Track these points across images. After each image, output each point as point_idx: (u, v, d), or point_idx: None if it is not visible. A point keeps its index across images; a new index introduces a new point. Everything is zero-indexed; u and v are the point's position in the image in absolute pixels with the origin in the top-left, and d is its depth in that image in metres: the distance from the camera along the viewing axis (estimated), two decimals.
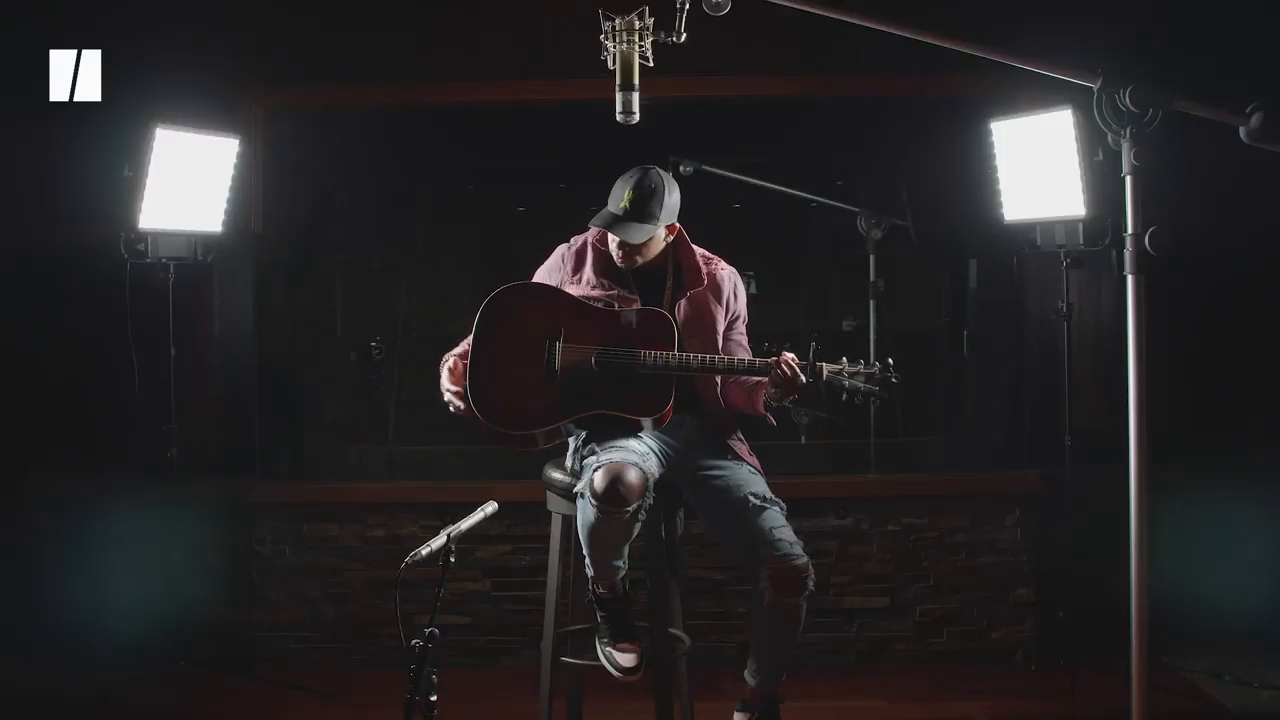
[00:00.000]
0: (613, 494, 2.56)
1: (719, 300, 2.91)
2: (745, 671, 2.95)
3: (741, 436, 2.97)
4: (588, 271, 2.91)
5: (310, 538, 4.05)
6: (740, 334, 2.98)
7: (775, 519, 2.77)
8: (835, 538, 4.01)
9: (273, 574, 4.05)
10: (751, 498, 2.78)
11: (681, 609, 3.08)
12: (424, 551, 2.10)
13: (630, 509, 2.58)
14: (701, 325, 2.88)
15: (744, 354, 2.92)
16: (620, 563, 2.74)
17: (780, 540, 2.73)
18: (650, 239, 2.79)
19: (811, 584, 2.75)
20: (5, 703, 3.67)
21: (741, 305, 2.98)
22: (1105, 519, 2.97)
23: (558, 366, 2.73)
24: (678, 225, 2.88)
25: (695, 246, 2.95)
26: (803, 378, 2.67)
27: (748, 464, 2.90)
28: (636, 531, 2.69)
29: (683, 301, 2.88)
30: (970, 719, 3.49)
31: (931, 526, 4.02)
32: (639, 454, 2.71)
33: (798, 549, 2.74)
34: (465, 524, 2.21)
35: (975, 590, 4.01)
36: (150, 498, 3.80)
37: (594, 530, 2.64)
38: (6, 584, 4.00)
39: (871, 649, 4.02)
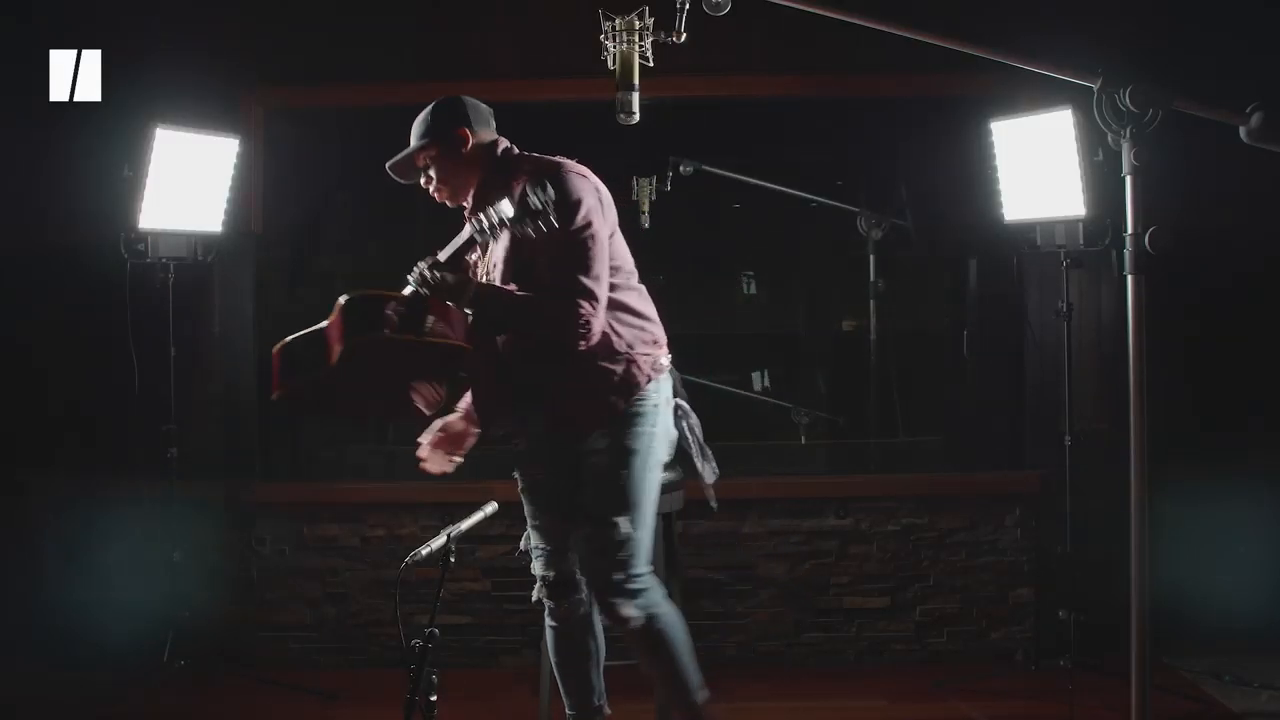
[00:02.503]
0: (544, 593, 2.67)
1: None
2: None
3: (591, 407, 2.55)
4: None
5: (310, 538, 4.05)
6: (557, 260, 2.44)
7: (598, 541, 2.51)
8: (835, 538, 4.01)
9: (273, 574, 4.05)
10: (584, 512, 2.55)
11: (681, 609, 3.08)
12: (424, 551, 2.11)
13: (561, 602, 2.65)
14: (493, 265, 2.58)
15: (563, 286, 2.44)
16: (596, 700, 2.75)
17: (593, 573, 2.54)
18: (422, 162, 2.61)
19: (632, 620, 2.52)
20: (5, 703, 3.67)
21: (547, 219, 2.30)
22: (1105, 519, 2.98)
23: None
24: (466, 135, 2.59)
25: (537, 157, 2.61)
26: (427, 272, 2.35)
27: (600, 446, 2.55)
28: (595, 645, 2.74)
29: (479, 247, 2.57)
30: (969, 719, 3.49)
31: (931, 526, 4.02)
32: (543, 532, 2.68)
33: (612, 580, 2.50)
34: (465, 524, 2.21)
35: (975, 590, 4.02)
36: (150, 498, 3.81)
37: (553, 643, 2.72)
38: (7, 584, 4.00)
39: (871, 649, 4.02)
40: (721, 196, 4.80)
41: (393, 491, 4.11)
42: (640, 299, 2.68)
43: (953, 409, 4.60)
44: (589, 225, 2.47)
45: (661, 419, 2.63)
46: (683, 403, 2.76)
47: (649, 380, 2.58)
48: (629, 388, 2.56)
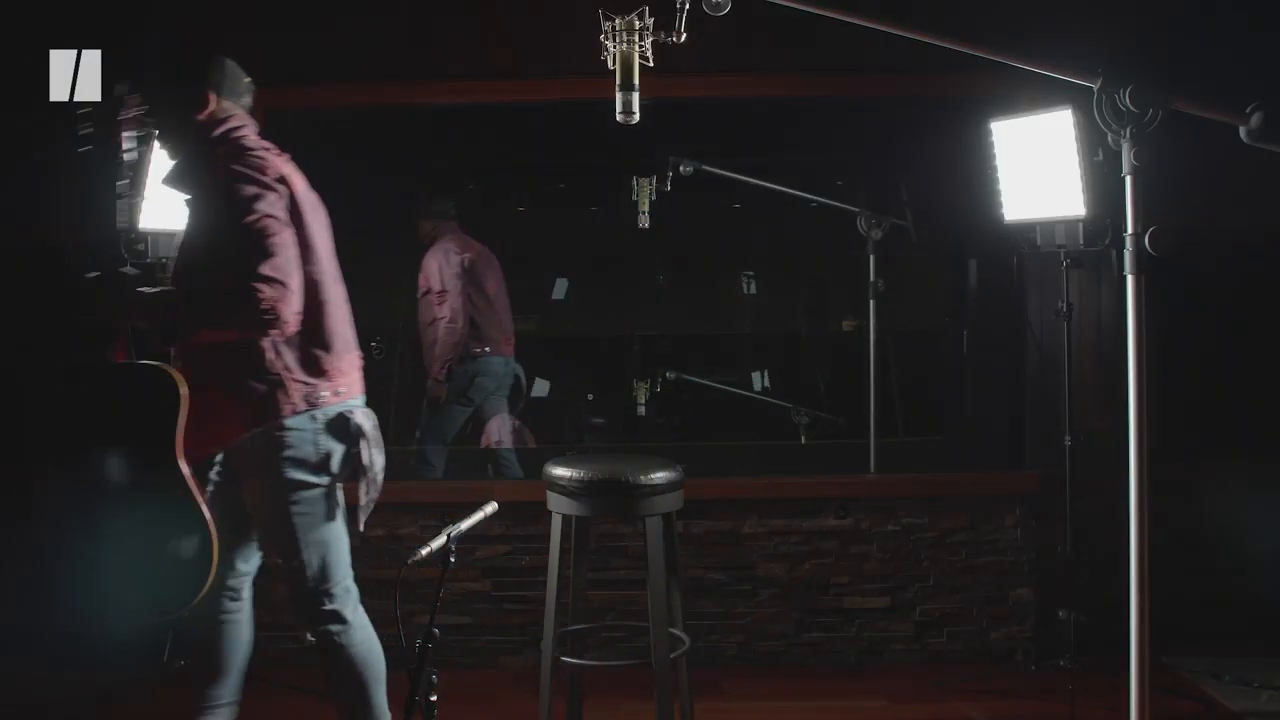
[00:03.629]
0: None
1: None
2: None
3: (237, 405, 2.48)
4: None
5: None
6: (231, 255, 2.36)
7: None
8: (835, 538, 4.01)
9: (273, 573, 4.03)
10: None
11: (681, 609, 3.08)
12: (424, 551, 2.10)
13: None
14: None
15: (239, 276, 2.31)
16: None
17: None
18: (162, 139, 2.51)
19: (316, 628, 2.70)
20: (5, 703, 3.67)
21: (218, 207, 2.42)
22: (1105, 519, 2.98)
23: None
24: (210, 98, 2.46)
25: (233, 140, 2.53)
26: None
27: (220, 465, 2.60)
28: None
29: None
30: (970, 719, 3.49)
31: (931, 526, 4.02)
32: None
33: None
34: (465, 524, 2.21)
35: (975, 590, 4.02)
36: None
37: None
38: (7, 584, 3.99)
39: (871, 649, 4.02)
40: (721, 196, 4.80)
41: (393, 491, 4.08)
42: (332, 311, 2.53)
43: (953, 409, 4.60)
44: (256, 212, 2.36)
45: (299, 457, 2.56)
46: (367, 447, 2.63)
47: (294, 412, 2.46)
48: (264, 413, 2.44)
